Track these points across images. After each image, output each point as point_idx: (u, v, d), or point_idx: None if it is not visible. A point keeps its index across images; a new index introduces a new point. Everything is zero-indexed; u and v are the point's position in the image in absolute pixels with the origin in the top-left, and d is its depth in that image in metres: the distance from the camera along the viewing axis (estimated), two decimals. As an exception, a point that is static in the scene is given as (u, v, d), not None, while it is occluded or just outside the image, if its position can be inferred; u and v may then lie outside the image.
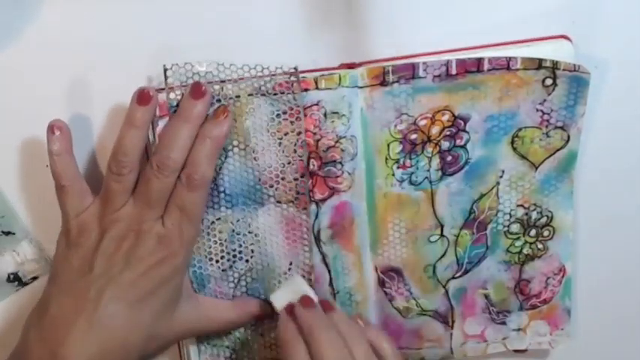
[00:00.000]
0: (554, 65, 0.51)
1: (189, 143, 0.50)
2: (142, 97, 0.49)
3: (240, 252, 0.54)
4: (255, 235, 0.54)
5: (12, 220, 0.55)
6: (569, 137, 0.53)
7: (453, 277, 0.57)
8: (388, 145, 0.53)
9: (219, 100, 0.51)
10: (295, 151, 0.52)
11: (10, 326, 0.56)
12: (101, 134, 0.54)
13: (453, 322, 0.58)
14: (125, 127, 0.50)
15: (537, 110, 0.53)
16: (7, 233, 0.55)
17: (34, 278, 0.56)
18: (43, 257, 0.55)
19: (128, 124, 0.50)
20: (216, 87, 0.51)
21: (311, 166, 0.53)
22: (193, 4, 0.51)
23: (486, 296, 0.58)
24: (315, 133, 0.52)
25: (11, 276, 0.55)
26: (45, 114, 0.52)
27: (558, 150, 0.54)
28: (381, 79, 0.52)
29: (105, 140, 0.54)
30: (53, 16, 0.51)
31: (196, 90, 0.50)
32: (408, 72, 0.51)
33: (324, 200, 0.54)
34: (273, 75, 0.51)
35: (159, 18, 0.52)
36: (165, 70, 0.50)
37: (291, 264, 0.55)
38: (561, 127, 0.53)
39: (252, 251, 0.54)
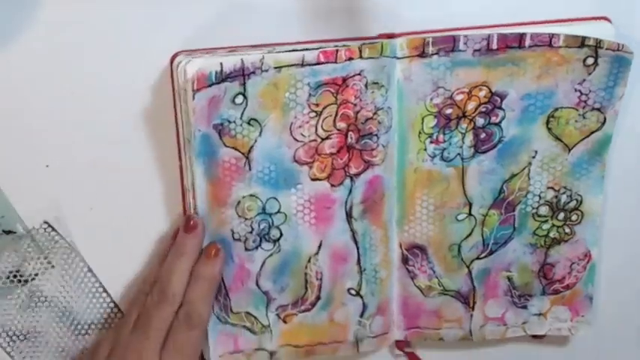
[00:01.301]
0: (597, 44, 0.50)
1: (187, 275, 0.51)
2: (188, 225, 0.51)
3: (267, 232, 0.52)
4: (285, 215, 0.52)
5: (13, 219, 0.53)
6: (605, 120, 0.53)
7: (478, 258, 0.56)
8: (422, 119, 0.52)
9: (262, 70, 0.49)
10: (335, 125, 0.51)
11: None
12: (99, 132, 0.52)
13: (474, 303, 0.57)
14: (174, 255, 0.51)
15: (575, 90, 0.52)
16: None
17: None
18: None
19: (177, 252, 0.51)
20: (256, 58, 0.48)
21: (349, 139, 0.51)
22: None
23: (509, 279, 0.57)
24: (355, 105, 0.50)
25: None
26: (46, 114, 0.51)
27: (593, 132, 0.53)
28: (421, 51, 0.50)
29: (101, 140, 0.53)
30: (54, 16, 0.50)
31: (187, 224, 0.51)
32: (448, 44, 0.50)
33: (358, 175, 0.52)
34: (316, 42, 0.50)
35: (160, 9, 0.50)
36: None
37: (320, 244, 0.53)
38: (598, 109, 0.52)
39: (281, 232, 0.53)
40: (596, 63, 0.51)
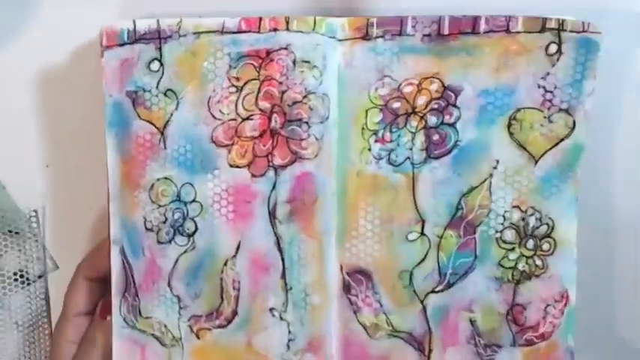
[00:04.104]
0: (560, 26, 0.45)
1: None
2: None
3: (181, 224, 0.46)
4: (201, 206, 0.46)
5: (18, 218, 0.52)
6: (574, 124, 0.46)
7: (433, 291, 0.47)
8: (366, 112, 0.46)
9: (180, 35, 0.45)
10: (257, 104, 0.45)
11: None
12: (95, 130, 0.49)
13: (430, 350, 0.48)
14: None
15: (539, 87, 0.46)
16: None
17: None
18: (49, 256, 0.53)
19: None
20: (174, 22, 0.45)
21: (273, 123, 0.45)
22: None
23: (472, 321, 0.48)
24: (280, 83, 0.45)
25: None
26: (46, 114, 0.50)
27: (562, 140, 0.46)
28: (364, 32, 0.46)
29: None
30: (54, 16, 0.49)
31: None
32: (394, 27, 0.46)
33: (284, 167, 0.46)
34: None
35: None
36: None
37: (239, 245, 0.46)
38: (566, 110, 0.46)
39: (196, 225, 0.46)
40: (560, 51, 0.45)
